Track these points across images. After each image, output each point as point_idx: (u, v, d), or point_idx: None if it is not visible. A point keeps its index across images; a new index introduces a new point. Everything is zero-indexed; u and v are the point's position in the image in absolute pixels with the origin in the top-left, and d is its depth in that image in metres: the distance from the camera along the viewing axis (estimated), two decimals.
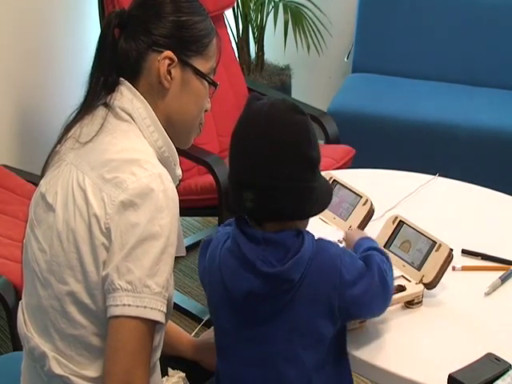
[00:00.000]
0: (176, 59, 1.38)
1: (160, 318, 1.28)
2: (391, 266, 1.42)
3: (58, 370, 1.34)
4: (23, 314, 1.43)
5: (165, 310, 1.29)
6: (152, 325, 1.28)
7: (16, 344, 1.57)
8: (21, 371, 1.47)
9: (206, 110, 1.47)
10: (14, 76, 2.94)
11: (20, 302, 1.46)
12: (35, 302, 1.38)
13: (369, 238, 1.52)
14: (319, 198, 1.35)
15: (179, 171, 1.46)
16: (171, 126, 1.42)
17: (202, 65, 1.41)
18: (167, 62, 1.38)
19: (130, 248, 1.26)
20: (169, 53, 1.38)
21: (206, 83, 1.43)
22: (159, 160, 1.37)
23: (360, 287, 1.33)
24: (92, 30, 3.10)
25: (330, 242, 1.36)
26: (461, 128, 3.32)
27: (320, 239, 1.35)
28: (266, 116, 1.32)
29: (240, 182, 1.33)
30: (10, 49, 2.89)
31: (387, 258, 1.42)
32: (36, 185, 1.44)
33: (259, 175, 1.30)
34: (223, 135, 3.01)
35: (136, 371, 1.27)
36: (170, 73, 1.38)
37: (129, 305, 1.26)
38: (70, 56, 3.12)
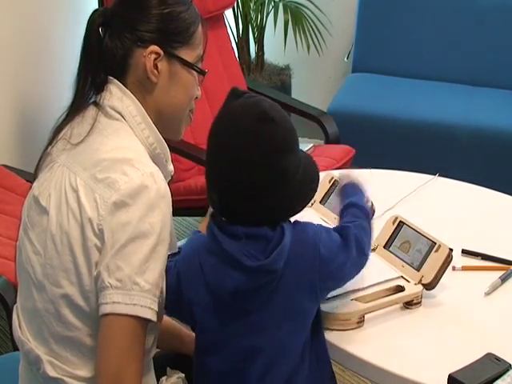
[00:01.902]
0: (162, 53, 1.37)
1: (150, 315, 1.27)
2: (369, 224, 1.46)
3: (52, 373, 1.33)
4: (18, 317, 1.42)
5: (155, 308, 1.28)
6: (143, 322, 1.27)
7: (16, 344, 1.57)
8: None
9: (196, 98, 1.46)
10: (14, 76, 2.94)
11: (15, 306, 1.45)
12: (30, 305, 1.37)
13: (352, 188, 1.55)
14: (290, 202, 1.35)
15: (171, 167, 1.46)
16: (162, 118, 1.40)
17: (188, 54, 1.40)
18: (153, 56, 1.36)
19: (120, 246, 1.25)
20: (154, 47, 1.36)
21: (195, 72, 1.42)
22: (150, 157, 1.36)
23: (338, 263, 1.37)
24: None
25: (306, 223, 1.38)
26: (461, 128, 3.32)
27: (297, 222, 1.37)
28: (234, 123, 1.32)
29: (208, 183, 1.35)
30: (11, 49, 2.89)
31: (366, 214, 1.46)
32: None
33: (222, 180, 1.32)
34: None
35: (127, 369, 1.26)
36: (156, 67, 1.37)
37: (118, 302, 1.25)
38: (70, 56, 3.10)
